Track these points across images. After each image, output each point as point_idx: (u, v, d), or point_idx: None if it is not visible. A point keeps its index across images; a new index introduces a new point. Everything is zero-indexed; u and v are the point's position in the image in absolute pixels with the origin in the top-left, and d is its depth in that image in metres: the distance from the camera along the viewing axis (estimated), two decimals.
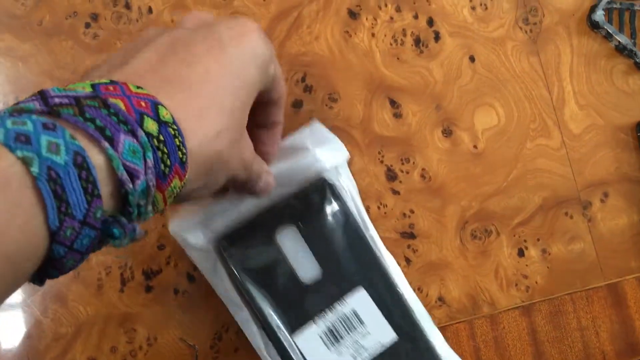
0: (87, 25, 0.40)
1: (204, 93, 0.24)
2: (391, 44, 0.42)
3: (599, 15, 0.42)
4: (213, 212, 0.35)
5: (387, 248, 0.40)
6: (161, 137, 0.21)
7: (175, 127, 0.22)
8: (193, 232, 0.35)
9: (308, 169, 0.36)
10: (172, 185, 0.22)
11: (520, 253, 0.41)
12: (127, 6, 0.40)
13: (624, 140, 0.42)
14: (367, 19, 0.42)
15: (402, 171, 0.41)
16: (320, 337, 0.35)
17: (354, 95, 0.41)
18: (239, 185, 0.30)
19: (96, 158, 0.20)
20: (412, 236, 0.41)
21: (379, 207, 0.41)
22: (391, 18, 0.42)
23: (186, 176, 0.23)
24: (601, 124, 0.42)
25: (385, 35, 0.42)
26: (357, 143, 0.41)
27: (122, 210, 0.21)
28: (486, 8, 0.42)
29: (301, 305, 0.36)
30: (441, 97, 0.42)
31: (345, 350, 0.35)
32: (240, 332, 0.37)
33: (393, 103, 0.41)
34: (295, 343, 0.35)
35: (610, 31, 0.42)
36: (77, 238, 0.19)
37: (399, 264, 0.40)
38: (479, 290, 0.41)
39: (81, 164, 0.19)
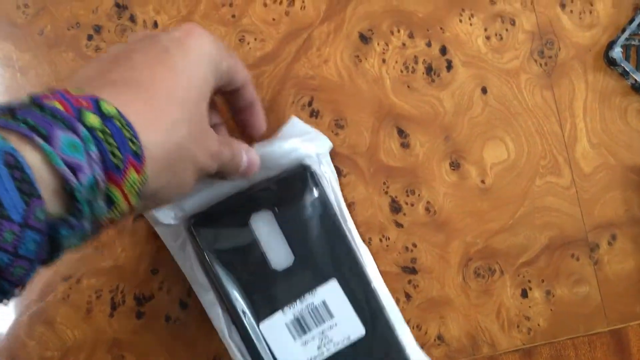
0: (90, 37, 0.39)
1: (152, 89, 0.24)
2: (402, 71, 0.40)
3: (617, 52, 0.41)
4: None
5: (387, 283, 0.39)
6: (107, 130, 0.21)
7: (122, 120, 0.21)
8: (164, 209, 0.34)
9: (289, 154, 0.35)
10: (129, 179, 0.21)
11: (524, 294, 0.40)
12: (132, 19, 0.39)
13: (635, 181, 0.41)
14: (378, 44, 0.40)
15: (406, 203, 0.40)
16: (287, 327, 0.34)
17: (361, 123, 0.40)
18: (218, 176, 0.30)
19: (31, 156, 0.19)
20: (413, 271, 0.39)
21: (380, 240, 0.39)
22: (403, 44, 0.41)
23: (144, 169, 0.22)
24: (612, 163, 0.41)
25: (396, 62, 0.40)
26: (362, 172, 0.40)
27: (73, 210, 0.20)
28: (501, 38, 0.41)
29: (270, 292, 0.35)
30: (450, 129, 0.40)
31: (311, 341, 0.34)
32: None
33: (401, 132, 0.40)
34: (260, 330, 0.34)
35: (627, 69, 0.41)
36: (20, 242, 0.18)
37: (399, 300, 0.39)
38: (480, 330, 0.39)
39: (13, 164, 0.18)
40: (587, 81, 0.42)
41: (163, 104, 0.24)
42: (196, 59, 0.27)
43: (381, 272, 0.39)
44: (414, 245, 0.40)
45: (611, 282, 0.41)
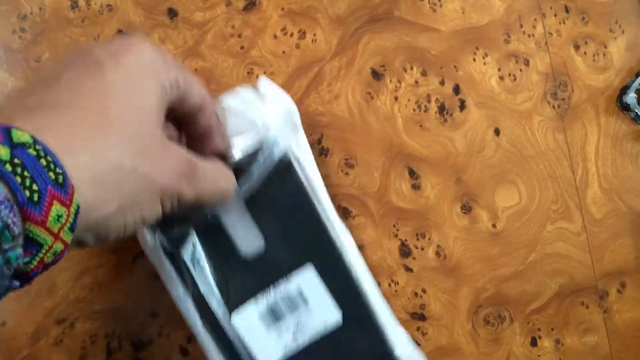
0: None
1: (78, 107, 0.22)
2: (414, 110, 0.39)
3: (631, 97, 0.40)
4: None
5: None
6: (16, 161, 0.18)
7: (39, 147, 0.19)
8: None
9: (252, 129, 0.32)
10: (53, 214, 0.19)
11: (533, 342, 0.39)
12: None
13: None
14: (391, 80, 0.39)
15: (416, 247, 0.39)
16: (260, 317, 0.33)
17: (371, 162, 0.39)
18: (198, 205, 0.27)
19: None
20: (422, 318, 0.38)
21: (389, 285, 0.38)
22: (416, 82, 0.39)
23: (74, 199, 0.19)
24: (623, 210, 0.41)
25: (408, 100, 0.39)
26: (372, 214, 0.38)
27: None
28: (515, 79, 0.40)
29: (241, 281, 0.33)
30: (462, 170, 0.39)
31: (285, 331, 0.33)
32: None
33: (412, 173, 0.39)
34: (232, 322, 0.32)
35: None
36: None
37: None
38: None
39: None
40: (599, 125, 0.41)
41: (92, 122, 0.22)
42: (134, 72, 0.24)
43: None
44: (424, 291, 0.38)
45: (620, 332, 0.40)
